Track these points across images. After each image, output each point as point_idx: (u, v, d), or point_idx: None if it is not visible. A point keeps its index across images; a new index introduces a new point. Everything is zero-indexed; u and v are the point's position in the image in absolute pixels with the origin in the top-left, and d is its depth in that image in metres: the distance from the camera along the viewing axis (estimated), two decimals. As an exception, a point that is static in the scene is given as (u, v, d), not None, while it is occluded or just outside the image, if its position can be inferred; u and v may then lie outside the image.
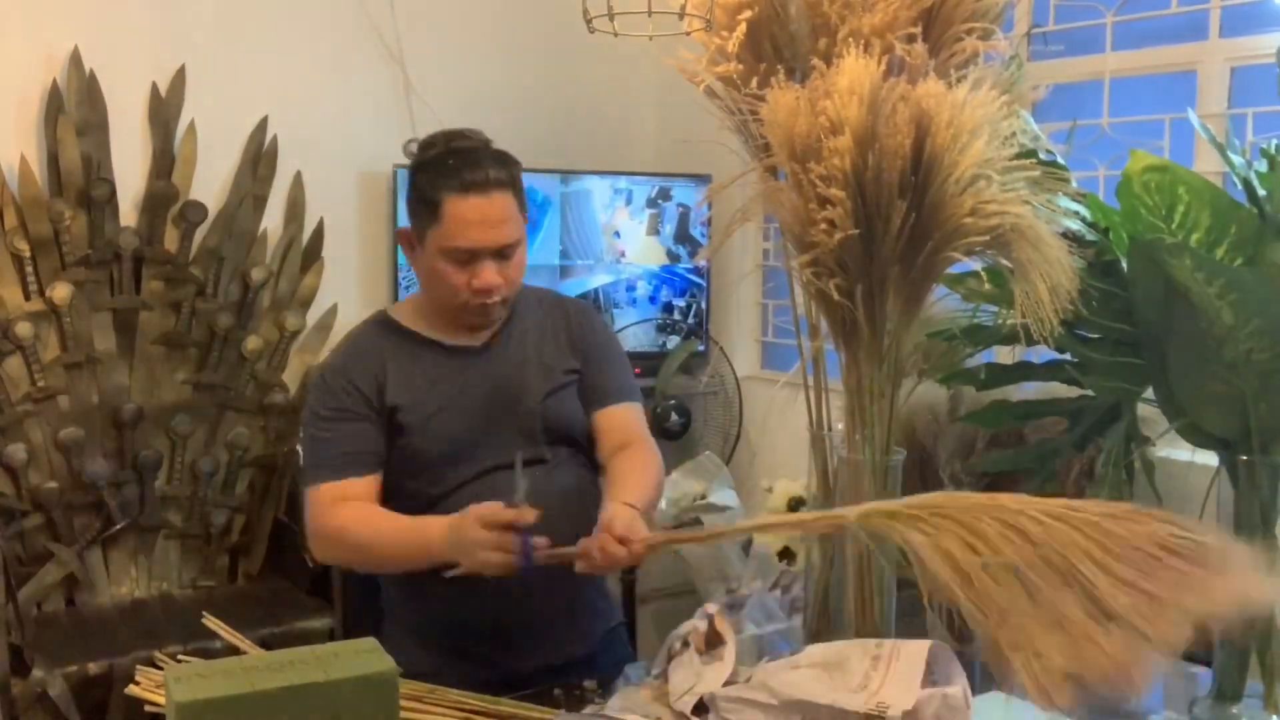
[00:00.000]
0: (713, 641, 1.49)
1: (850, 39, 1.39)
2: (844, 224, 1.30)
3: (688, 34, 1.57)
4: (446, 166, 1.68)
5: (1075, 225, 1.44)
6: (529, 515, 1.51)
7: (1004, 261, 1.38)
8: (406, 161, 3.46)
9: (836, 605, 1.50)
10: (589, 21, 1.52)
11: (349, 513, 1.70)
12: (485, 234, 1.67)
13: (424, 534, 1.62)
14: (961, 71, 1.38)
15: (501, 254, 1.70)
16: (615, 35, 1.52)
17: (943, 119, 1.29)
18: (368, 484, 1.72)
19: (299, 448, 3.31)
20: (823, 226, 1.31)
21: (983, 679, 1.64)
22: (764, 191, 1.43)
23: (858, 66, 1.30)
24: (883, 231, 1.33)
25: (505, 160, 1.72)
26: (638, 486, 1.69)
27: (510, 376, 1.78)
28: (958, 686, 1.31)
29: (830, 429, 1.58)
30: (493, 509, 1.52)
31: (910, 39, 1.40)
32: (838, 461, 1.51)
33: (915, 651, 1.32)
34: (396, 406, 1.73)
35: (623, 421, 1.84)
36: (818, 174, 1.31)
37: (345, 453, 1.71)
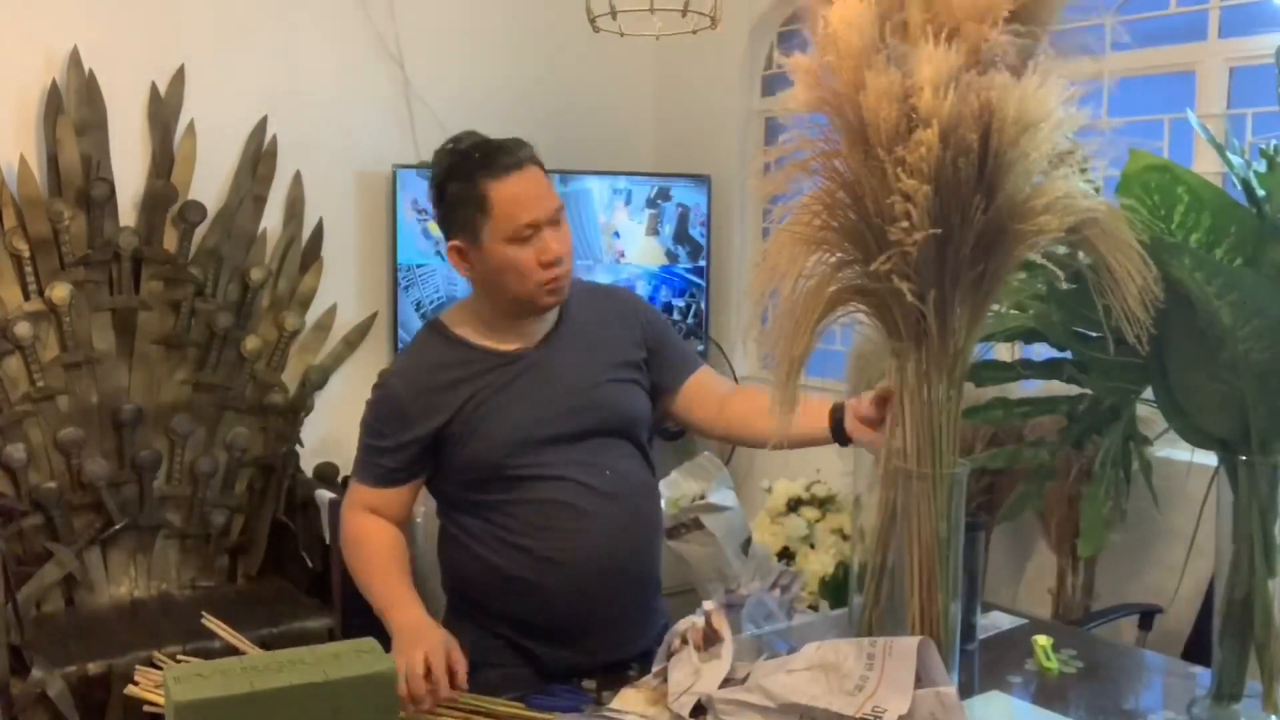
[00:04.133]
0: (710, 639, 1.49)
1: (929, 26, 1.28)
2: (922, 222, 1.24)
3: (694, 32, 1.55)
4: (474, 161, 1.71)
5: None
6: (445, 693, 1.49)
7: (1084, 259, 1.35)
8: (405, 161, 3.51)
9: (897, 600, 1.44)
10: (593, 21, 1.51)
11: (365, 533, 1.77)
12: (538, 204, 1.70)
13: (385, 611, 1.65)
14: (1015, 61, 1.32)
15: (554, 222, 1.73)
16: (621, 35, 1.51)
17: (1009, 112, 1.24)
18: (401, 493, 1.79)
19: (300, 442, 3.33)
20: (903, 224, 1.25)
21: (983, 678, 1.64)
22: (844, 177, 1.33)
23: (939, 56, 1.24)
24: (960, 228, 1.28)
25: (519, 140, 1.77)
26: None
27: (566, 368, 1.79)
28: (951, 686, 1.31)
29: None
30: (441, 670, 1.49)
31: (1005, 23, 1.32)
32: (876, 473, 1.47)
33: (905, 649, 1.32)
34: (445, 422, 1.75)
35: (710, 380, 1.92)
36: (907, 162, 1.24)
37: (386, 466, 1.77)
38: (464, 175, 1.70)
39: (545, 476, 1.73)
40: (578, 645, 1.75)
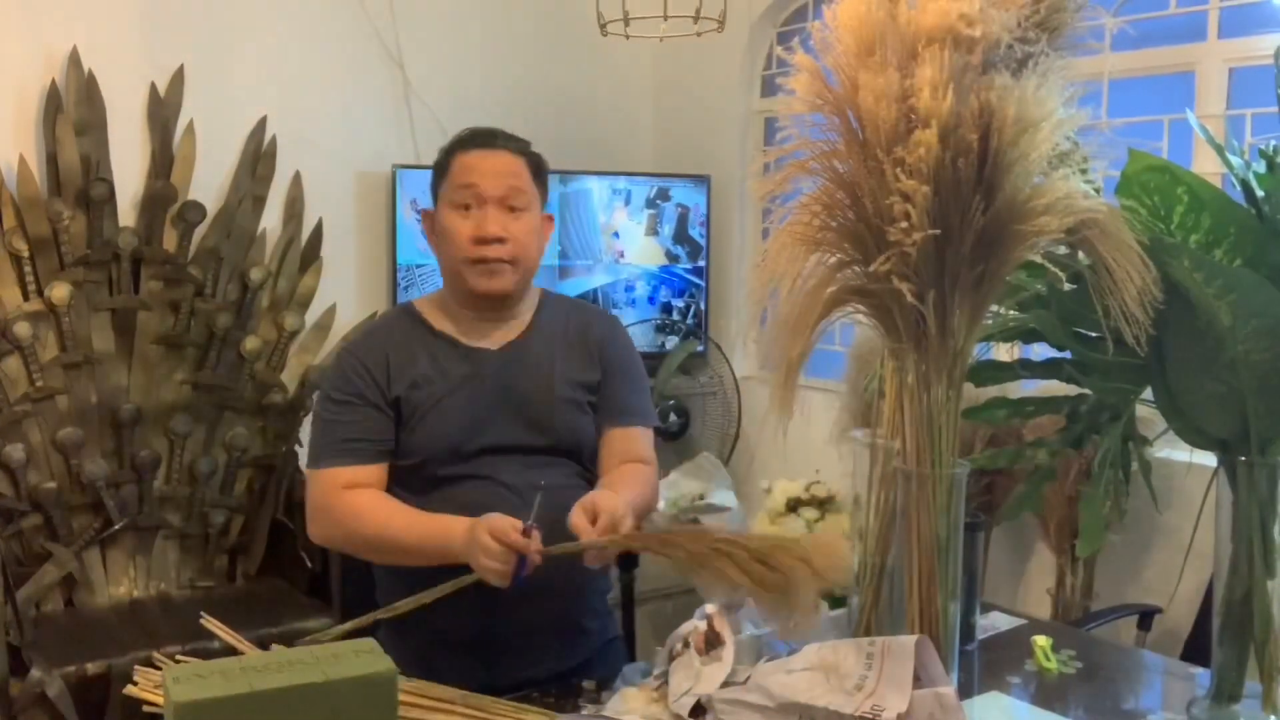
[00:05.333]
0: (712, 641, 1.49)
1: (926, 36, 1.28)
2: (922, 223, 1.24)
3: (698, 35, 1.55)
4: (462, 138, 1.80)
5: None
6: (534, 548, 1.50)
7: (1083, 259, 1.34)
8: (405, 162, 3.51)
9: (897, 600, 1.45)
10: (603, 26, 1.51)
11: (365, 499, 1.69)
12: (487, 180, 1.72)
13: (447, 531, 1.60)
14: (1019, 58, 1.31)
15: (507, 207, 1.73)
16: (627, 39, 1.51)
17: (1008, 113, 1.24)
18: (373, 472, 1.72)
19: (300, 442, 3.33)
20: (902, 225, 1.25)
21: (982, 678, 1.64)
22: (843, 177, 1.31)
23: (939, 56, 1.24)
24: (959, 229, 1.27)
25: (520, 139, 1.80)
26: (624, 487, 1.69)
27: (523, 379, 1.77)
28: (949, 686, 1.31)
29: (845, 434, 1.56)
30: (506, 528, 1.50)
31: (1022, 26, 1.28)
32: (875, 473, 1.46)
33: (903, 646, 1.32)
34: (401, 396, 1.73)
35: (630, 441, 1.83)
36: (906, 162, 1.24)
37: (353, 438, 1.72)
38: (447, 149, 1.80)
39: (474, 476, 1.71)
40: (502, 661, 1.70)
